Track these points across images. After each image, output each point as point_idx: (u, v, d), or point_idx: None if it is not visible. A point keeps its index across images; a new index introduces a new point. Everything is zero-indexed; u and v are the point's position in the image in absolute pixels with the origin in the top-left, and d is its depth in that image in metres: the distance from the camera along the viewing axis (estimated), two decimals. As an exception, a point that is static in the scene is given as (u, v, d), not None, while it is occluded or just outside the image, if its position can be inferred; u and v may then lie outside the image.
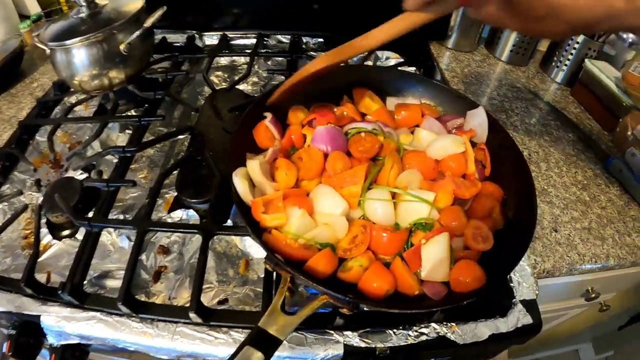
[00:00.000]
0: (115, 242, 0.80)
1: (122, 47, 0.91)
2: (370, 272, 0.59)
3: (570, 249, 0.86)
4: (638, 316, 1.47)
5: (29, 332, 0.72)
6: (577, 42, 1.16)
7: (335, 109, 0.81)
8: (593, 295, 1.07)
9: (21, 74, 1.21)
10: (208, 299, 0.72)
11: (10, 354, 0.73)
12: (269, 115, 0.74)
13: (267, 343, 0.50)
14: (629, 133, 1.03)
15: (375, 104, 0.82)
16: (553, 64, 1.25)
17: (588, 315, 1.37)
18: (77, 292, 0.69)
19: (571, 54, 1.19)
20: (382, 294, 0.58)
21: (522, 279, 0.75)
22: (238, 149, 0.69)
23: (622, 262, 0.87)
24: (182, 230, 0.75)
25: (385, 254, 0.63)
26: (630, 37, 1.13)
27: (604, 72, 1.12)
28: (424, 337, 0.66)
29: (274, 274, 0.68)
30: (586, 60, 1.16)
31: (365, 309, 0.59)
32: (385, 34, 0.69)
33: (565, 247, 0.86)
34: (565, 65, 1.22)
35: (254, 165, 0.66)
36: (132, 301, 0.67)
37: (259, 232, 0.60)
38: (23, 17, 1.32)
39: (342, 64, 0.73)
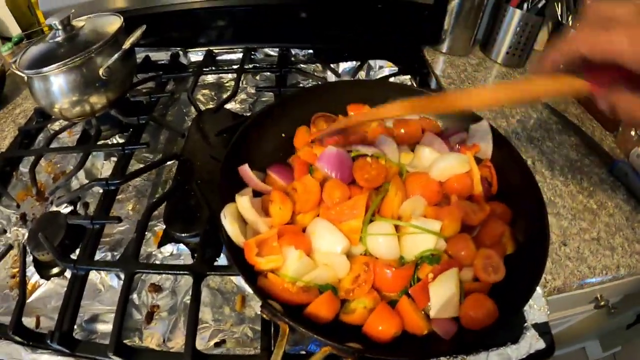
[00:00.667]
0: (105, 281, 0.76)
1: (101, 71, 0.87)
2: (376, 315, 0.55)
3: (580, 262, 0.83)
4: (645, 314, 1.45)
5: None
6: (575, 41, 1.12)
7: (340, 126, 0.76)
8: (602, 303, 1.04)
9: (3, 100, 1.17)
10: (204, 340, 0.68)
11: None
12: (243, 168, 0.69)
13: None
14: (633, 133, 1.00)
15: (375, 122, 0.78)
16: (551, 64, 1.21)
17: (596, 318, 1.35)
18: (66, 340, 0.66)
19: (569, 53, 1.14)
20: (389, 337, 0.54)
21: (533, 301, 0.71)
22: (227, 182, 0.65)
23: (633, 270, 0.84)
24: (171, 272, 0.71)
25: (390, 292, 0.59)
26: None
27: (604, 71, 1.08)
28: (432, 375, 0.62)
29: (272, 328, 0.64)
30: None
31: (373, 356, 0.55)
32: (491, 97, 0.56)
33: (575, 262, 0.83)
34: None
35: (243, 202, 0.61)
36: (124, 349, 0.64)
37: (253, 276, 0.56)
38: (4, 39, 1.28)
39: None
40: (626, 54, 0.40)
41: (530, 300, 0.70)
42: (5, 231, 0.85)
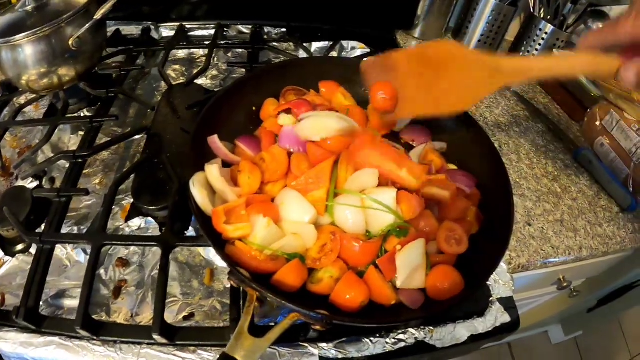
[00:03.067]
0: (71, 256, 0.74)
1: (71, 41, 0.84)
2: (343, 283, 0.55)
3: (544, 242, 0.86)
4: (606, 299, 1.51)
5: None
6: (546, 33, 1.15)
7: (309, 99, 0.75)
8: (565, 285, 1.08)
9: (-34, 77, 1.11)
10: (172, 314, 0.67)
11: None
12: (212, 138, 0.68)
13: None
14: (598, 123, 1.03)
15: (348, 102, 0.78)
16: (521, 53, 1.24)
17: (558, 300, 1.40)
18: (32, 316, 0.64)
19: (539, 44, 1.18)
20: (357, 306, 0.55)
21: (498, 277, 0.74)
22: (196, 152, 0.64)
23: (595, 252, 0.88)
24: (139, 243, 0.70)
25: (358, 264, 0.59)
26: (599, 26, 1.13)
27: (571, 62, 1.12)
28: (402, 344, 0.64)
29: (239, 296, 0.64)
30: (554, 50, 1.15)
31: (339, 322, 0.55)
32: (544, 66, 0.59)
33: (539, 241, 0.86)
34: (533, 55, 1.21)
35: (213, 170, 0.61)
36: (92, 323, 0.62)
37: (221, 244, 0.56)
38: (-32, 11, 1.22)
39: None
40: None
41: (495, 275, 0.74)
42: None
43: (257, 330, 0.52)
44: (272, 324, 0.62)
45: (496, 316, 0.70)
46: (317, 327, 0.52)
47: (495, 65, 0.60)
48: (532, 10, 1.17)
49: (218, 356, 0.48)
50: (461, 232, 0.62)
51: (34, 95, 0.97)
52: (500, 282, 0.73)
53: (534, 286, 1.12)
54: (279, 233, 0.58)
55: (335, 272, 0.57)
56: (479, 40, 1.25)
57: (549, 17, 1.15)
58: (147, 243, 0.68)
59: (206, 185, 0.61)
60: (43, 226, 0.74)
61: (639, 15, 0.46)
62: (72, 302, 0.70)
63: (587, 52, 0.53)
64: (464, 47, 0.65)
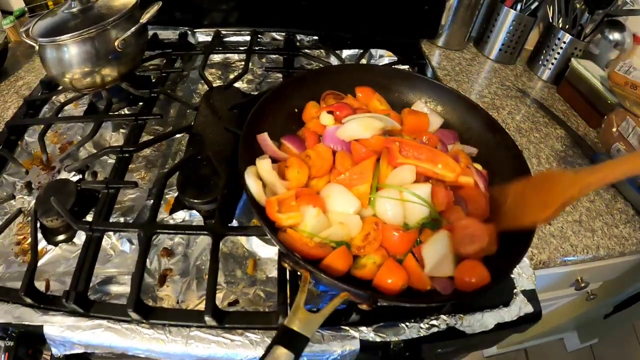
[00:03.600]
0: (116, 246, 0.78)
1: (117, 43, 0.89)
2: (385, 268, 0.59)
3: (563, 240, 0.89)
4: (622, 305, 1.53)
5: (28, 343, 0.70)
6: (564, 42, 1.20)
7: (349, 103, 0.79)
8: (582, 285, 1.11)
9: (4, 73, 1.16)
10: (217, 300, 0.70)
11: None
12: (262, 135, 0.72)
13: (295, 341, 0.50)
14: (614, 130, 1.07)
15: (383, 106, 0.82)
16: (540, 62, 1.29)
17: (575, 304, 1.43)
18: (82, 300, 0.66)
19: (558, 52, 1.22)
20: (397, 289, 0.58)
21: (522, 270, 0.78)
22: (246, 149, 0.68)
23: (611, 252, 0.91)
24: (190, 232, 0.74)
25: (396, 253, 0.63)
26: (616, 37, 1.17)
27: (589, 71, 1.16)
28: (434, 329, 0.68)
29: (287, 273, 0.68)
30: (572, 59, 1.19)
31: (383, 304, 0.59)
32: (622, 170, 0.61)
33: (559, 240, 0.89)
34: (552, 63, 1.26)
35: (264, 165, 0.65)
36: (142, 307, 0.65)
37: (274, 230, 0.60)
38: (5, 12, 1.27)
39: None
40: None
41: (519, 268, 0.77)
42: (13, 196, 0.85)
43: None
44: (315, 309, 0.66)
45: (520, 307, 0.73)
46: (364, 307, 0.56)
47: (574, 178, 0.64)
48: (550, 21, 1.22)
49: (270, 336, 0.52)
50: (475, 228, 0.65)
51: (73, 94, 1.02)
52: (523, 276, 0.77)
53: (554, 287, 1.15)
54: (327, 222, 0.62)
55: (377, 259, 0.61)
56: (500, 50, 1.30)
57: (567, 26, 1.19)
58: (197, 232, 0.73)
59: (259, 178, 0.65)
60: (90, 216, 0.78)
61: None
62: (118, 288, 0.73)
63: None
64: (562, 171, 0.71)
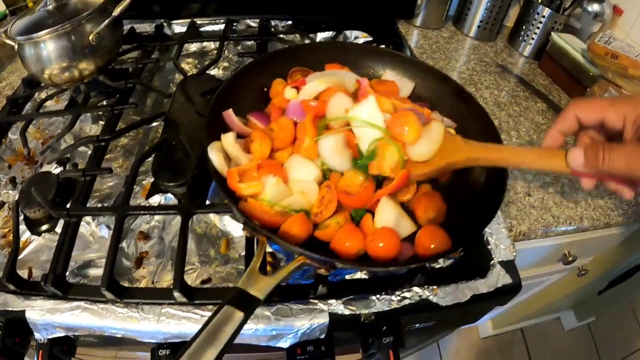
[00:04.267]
0: (95, 232, 0.79)
1: (91, 37, 0.90)
2: (342, 232, 0.60)
3: (544, 211, 0.89)
4: (616, 280, 1.53)
5: (15, 331, 0.71)
6: (543, 16, 1.19)
7: None
8: (570, 259, 1.11)
9: (-12, 75, 1.18)
10: (191, 280, 0.72)
11: None
12: (227, 112, 0.73)
13: (246, 302, 0.50)
14: (598, 100, 1.06)
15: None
16: (520, 38, 1.28)
17: (568, 281, 1.42)
18: (60, 282, 0.68)
19: (538, 27, 1.21)
20: (354, 253, 0.59)
21: (499, 242, 0.77)
22: (213, 125, 0.69)
23: (596, 223, 0.91)
24: (161, 212, 0.75)
25: (357, 206, 0.64)
26: (595, 8, 1.17)
27: (570, 44, 1.15)
28: (406, 301, 0.68)
29: (255, 248, 0.69)
30: (553, 33, 1.19)
31: (340, 266, 0.59)
32: (513, 161, 0.62)
33: (540, 210, 0.89)
34: (532, 39, 1.25)
35: (228, 138, 0.66)
36: (116, 287, 0.67)
37: (235, 200, 0.61)
38: (-13, 16, 1.29)
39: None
40: None
41: (496, 239, 0.77)
42: (-3, 190, 0.87)
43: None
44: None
45: (497, 277, 0.72)
46: (322, 271, 0.57)
47: (464, 146, 0.65)
48: (529, -5, 1.21)
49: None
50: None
51: (54, 91, 1.04)
52: (501, 247, 0.77)
53: (541, 262, 1.14)
54: (287, 191, 0.63)
55: (341, 220, 0.62)
56: (478, 27, 1.29)
57: (546, 1, 1.19)
58: (168, 212, 0.74)
59: (222, 151, 0.66)
60: (69, 205, 0.79)
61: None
62: (96, 271, 0.75)
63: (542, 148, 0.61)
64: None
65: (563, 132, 0.61)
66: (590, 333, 2.00)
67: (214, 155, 0.64)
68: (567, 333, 2.02)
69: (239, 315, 0.48)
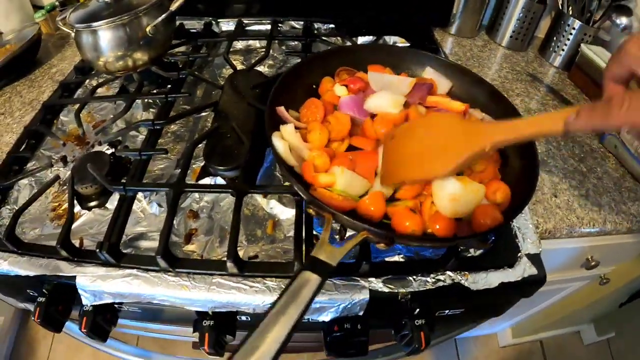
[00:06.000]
0: (146, 209, 0.84)
1: (148, 29, 0.97)
2: (404, 212, 0.65)
3: (569, 212, 0.92)
4: (637, 293, 1.53)
5: (59, 299, 0.77)
6: (573, 28, 1.23)
7: (361, 77, 0.85)
8: (593, 264, 1.13)
9: (38, 62, 1.26)
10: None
11: (39, 321, 0.77)
12: (279, 108, 0.77)
13: (321, 268, 0.55)
14: (623, 111, 1.09)
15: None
16: (551, 49, 1.32)
17: (589, 290, 1.43)
18: (114, 251, 0.73)
19: (568, 39, 1.25)
20: (408, 232, 0.63)
21: (526, 236, 0.81)
22: (271, 118, 0.74)
23: (619, 227, 0.93)
24: (215, 190, 0.80)
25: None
26: (623, 21, 1.20)
27: (599, 56, 1.19)
28: (440, 283, 0.72)
29: (303, 231, 0.74)
30: (582, 45, 1.22)
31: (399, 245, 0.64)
32: (520, 132, 0.57)
33: (565, 211, 0.92)
34: (563, 50, 1.29)
35: (289, 128, 0.71)
36: (170, 256, 0.72)
37: (306, 187, 0.66)
38: (37, 7, 1.37)
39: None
40: None
41: (523, 233, 0.82)
42: (51, 165, 0.92)
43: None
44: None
45: (524, 269, 0.76)
46: (381, 245, 0.62)
47: (471, 128, 0.62)
48: (560, 7, 1.25)
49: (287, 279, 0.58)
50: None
51: (105, 78, 1.11)
52: (528, 241, 0.80)
53: (564, 267, 1.17)
54: (354, 181, 0.67)
55: (410, 204, 0.67)
56: (511, 37, 1.34)
57: (576, 13, 1.23)
58: (223, 190, 0.79)
59: (285, 140, 0.71)
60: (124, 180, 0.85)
61: (631, 108, 0.44)
62: (147, 244, 0.80)
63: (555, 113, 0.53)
64: (448, 115, 0.71)
65: (619, 80, 0.53)
66: (609, 349, 2.00)
67: (279, 143, 0.69)
68: (586, 347, 2.01)
69: (316, 278, 0.53)
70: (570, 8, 1.24)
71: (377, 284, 0.70)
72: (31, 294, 0.81)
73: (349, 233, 0.76)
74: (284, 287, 0.68)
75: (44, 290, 0.77)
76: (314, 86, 0.87)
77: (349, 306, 0.70)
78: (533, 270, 0.77)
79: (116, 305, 0.84)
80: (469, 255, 0.79)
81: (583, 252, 1.11)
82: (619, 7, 1.19)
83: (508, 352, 2.01)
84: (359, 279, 0.71)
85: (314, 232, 0.76)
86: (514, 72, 1.29)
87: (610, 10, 1.20)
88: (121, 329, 1.15)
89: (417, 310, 0.74)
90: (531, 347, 2.03)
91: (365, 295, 0.69)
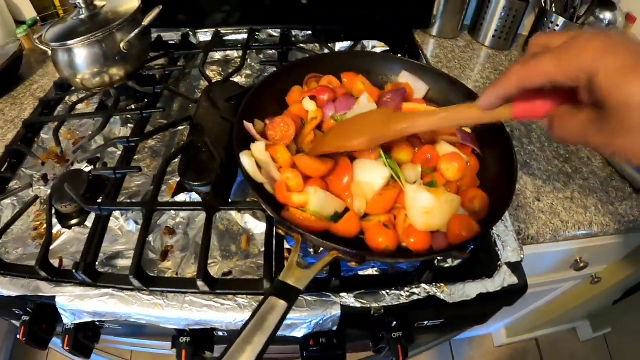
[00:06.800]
0: (123, 226, 0.85)
1: (122, 45, 0.96)
2: (376, 228, 0.64)
3: (553, 216, 0.91)
4: (632, 290, 1.52)
5: (42, 318, 0.77)
6: (557, 25, 1.21)
7: (329, 85, 0.84)
8: (582, 265, 1.12)
9: (20, 78, 1.25)
10: (213, 272, 0.76)
11: (24, 339, 0.77)
12: (246, 124, 0.76)
13: (289, 293, 0.55)
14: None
15: (365, 86, 0.86)
16: (534, 47, 1.30)
17: (582, 289, 1.42)
18: (90, 270, 0.73)
19: (551, 36, 1.24)
20: (382, 249, 0.62)
21: (506, 244, 0.80)
22: (241, 133, 0.73)
23: (606, 229, 0.91)
24: (187, 208, 0.80)
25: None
26: (607, 16, 1.19)
27: (583, 53, 1.17)
28: (415, 297, 0.71)
29: (273, 246, 0.73)
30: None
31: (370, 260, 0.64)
32: (434, 121, 0.60)
33: (549, 215, 0.91)
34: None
35: (259, 146, 0.70)
36: (143, 275, 0.72)
37: (276, 208, 0.65)
38: (19, 22, 1.37)
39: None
40: (552, 71, 0.43)
41: (503, 241, 0.80)
42: (31, 185, 0.92)
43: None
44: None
45: (504, 278, 0.75)
46: (353, 264, 0.61)
47: (391, 117, 0.66)
48: (543, 5, 1.24)
49: (258, 300, 0.58)
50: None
51: (84, 94, 1.10)
52: (508, 249, 0.79)
53: (553, 268, 1.16)
54: (327, 201, 0.67)
55: (383, 219, 0.66)
56: (493, 36, 1.32)
57: (560, 10, 1.21)
58: (194, 208, 0.79)
59: (253, 159, 0.70)
60: (100, 199, 0.85)
61: (523, 64, 0.45)
62: (123, 262, 0.80)
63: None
64: (382, 109, 0.74)
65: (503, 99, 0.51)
66: (606, 344, 1.99)
67: (247, 162, 0.68)
68: (582, 344, 2.00)
69: (283, 304, 0.52)
70: (553, 5, 1.23)
71: (349, 299, 0.69)
72: (16, 312, 0.81)
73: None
74: (255, 304, 0.69)
75: (28, 309, 0.77)
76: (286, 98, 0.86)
77: (320, 322, 0.69)
78: (513, 280, 0.75)
79: (97, 323, 0.84)
80: (447, 265, 0.78)
81: (571, 254, 1.10)
82: (602, 2, 1.17)
83: (503, 352, 2.00)
84: (330, 294, 0.70)
85: (286, 246, 0.75)
86: (497, 72, 1.27)
87: (594, 5, 1.18)
88: (109, 345, 1.16)
89: (394, 323, 0.73)
90: (526, 345, 2.03)
91: (336, 311, 0.68)
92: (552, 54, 0.43)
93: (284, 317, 0.52)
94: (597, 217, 0.93)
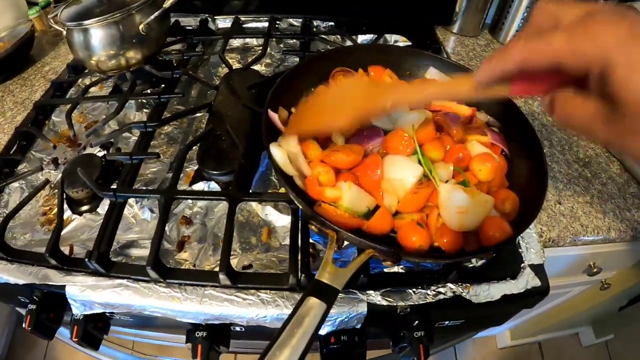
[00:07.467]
0: (137, 214, 0.82)
1: (141, 27, 0.94)
2: (410, 227, 0.62)
3: (573, 220, 0.90)
4: (638, 297, 1.52)
5: (50, 306, 0.75)
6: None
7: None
8: (595, 270, 1.11)
9: (31, 60, 1.23)
10: (232, 265, 0.74)
11: (30, 328, 0.75)
12: (272, 114, 0.73)
13: (326, 293, 0.53)
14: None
15: (392, 80, 0.85)
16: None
17: (589, 294, 1.42)
18: (103, 260, 0.71)
19: (572, 38, 1.22)
20: (415, 248, 0.60)
21: (530, 246, 0.79)
22: (269, 124, 0.71)
23: (623, 235, 0.91)
24: (208, 197, 0.78)
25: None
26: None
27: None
28: (441, 296, 0.70)
29: (298, 239, 0.71)
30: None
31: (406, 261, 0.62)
32: (424, 95, 0.57)
33: (569, 219, 0.90)
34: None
35: (291, 139, 0.68)
36: (161, 266, 0.69)
37: (308, 202, 0.63)
38: (31, 3, 1.34)
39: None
40: (561, 55, 0.37)
41: (527, 243, 0.79)
42: (41, 168, 0.90)
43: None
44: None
45: (527, 280, 0.74)
46: (388, 263, 0.60)
47: (373, 89, 0.64)
48: (565, 7, 1.22)
49: (281, 296, 0.57)
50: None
51: (98, 77, 1.08)
52: (531, 251, 0.78)
53: (566, 272, 1.15)
54: (360, 197, 0.64)
55: (416, 217, 0.64)
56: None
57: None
58: (216, 197, 0.76)
59: (284, 150, 0.67)
60: (114, 185, 0.82)
61: (528, 41, 0.40)
62: (138, 252, 0.78)
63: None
64: (357, 77, 0.75)
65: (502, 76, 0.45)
66: (608, 350, 1.99)
67: (279, 153, 0.65)
68: (584, 349, 2.00)
69: (322, 305, 0.51)
70: (575, 7, 1.21)
71: (376, 297, 0.68)
72: (22, 300, 0.79)
73: (347, 242, 0.73)
74: (279, 300, 0.67)
75: (34, 297, 0.75)
76: (312, 89, 0.84)
77: (346, 320, 0.67)
78: (536, 282, 0.74)
79: (108, 314, 0.81)
80: (471, 265, 0.76)
81: (585, 259, 1.09)
82: (624, 4, 1.16)
83: (506, 354, 2.00)
84: (356, 291, 0.68)
85: (311, 241, 0.73)
86: (518, 73, 1.25)
87: (610, 1, 1.17)
88: (115, 335, 1.13)
89: (417, 322, 0.72)
90: (529, 348, 2.02)
91: (363, 309, 0.67)
92: (562, 35, 0.37)
93: (323, 319, 0.50)
94: (614, 223, 0.92)
